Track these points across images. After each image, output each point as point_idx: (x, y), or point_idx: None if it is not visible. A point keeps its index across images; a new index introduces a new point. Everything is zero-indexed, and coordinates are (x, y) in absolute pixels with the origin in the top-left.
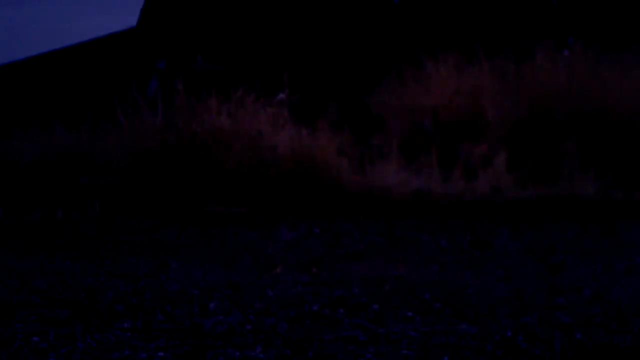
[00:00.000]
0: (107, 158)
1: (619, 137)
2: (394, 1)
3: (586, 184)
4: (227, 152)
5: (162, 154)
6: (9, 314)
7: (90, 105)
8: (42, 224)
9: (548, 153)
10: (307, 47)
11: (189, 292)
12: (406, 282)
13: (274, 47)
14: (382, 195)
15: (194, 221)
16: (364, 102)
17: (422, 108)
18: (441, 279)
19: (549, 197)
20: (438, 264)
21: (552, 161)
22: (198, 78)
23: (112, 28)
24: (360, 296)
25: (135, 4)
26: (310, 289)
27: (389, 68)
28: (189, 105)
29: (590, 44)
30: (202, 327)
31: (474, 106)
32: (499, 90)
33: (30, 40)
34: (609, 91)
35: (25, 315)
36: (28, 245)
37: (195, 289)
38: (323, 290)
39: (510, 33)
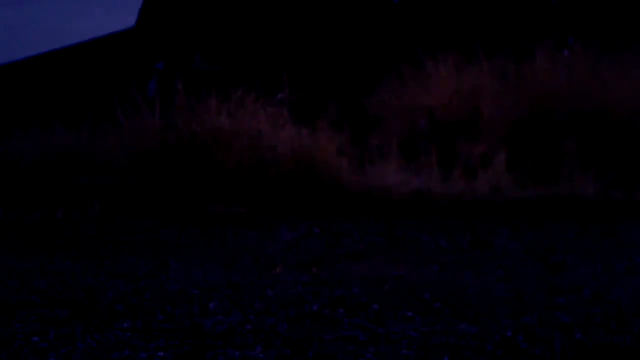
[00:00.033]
0: (107, 158)
1: (619, 137)
2: (394, 1)
3: (586, 184)
4: (227, 152)
5: (162, 154)
6: (9, 314)
7: (90, 105)
8: (42, 224)
9: (548, 153)
10: (307, 47)
11: (189, 292)
12: (406, 282)
13: (274, 47)
14: (382, 195)
15: (194, 221)
16: (360, 102)
17: (422, 108)
18: (441, 279)
19: (549, 197)
20: (438, 264)
21: (552, 161)
22: (197, 78)
23: (112, 28)
24: (360, 296)
25: (135, 4)
26: (310, 289)
27: (389, 68)
28: (189, 105)
29: (590, 44)
30: (202, 327)
31: (473, 106)
32: (499, 90)
33: (30, 40)
34: (609, 91)
35: (25, 315)
36: (28, 245)
37: (195, 289)
38: (323, 290)
39: (510, 33)
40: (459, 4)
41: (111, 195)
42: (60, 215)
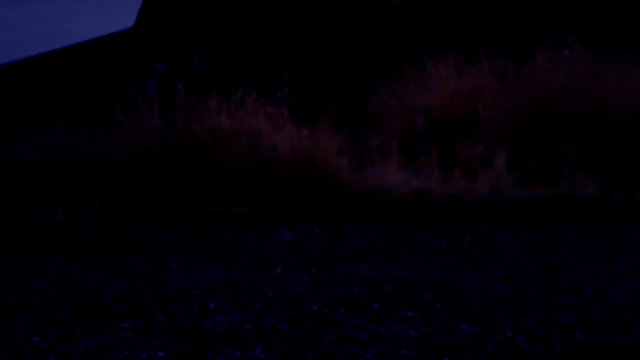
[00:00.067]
0: (107, 158)
1: (619, 137)
2: (394, 1)
3: (586, 184)
4: (227, 152)
5: (162, 154)
6: (9, 314)
7: (90, 105)
8: (42, 224)
9: (548, 153)
10: (307, 47)
11: (189, 292)
12: (406, 282)
13: (274, 47)
14: (382, 195)
15: (194, 221)
16: (360, 102)
17: (422, 108)
18: (441, 279)
19: (549, 197)
20: (438, 264)
21: (552, 161)
22: (197, 78)
23: (112, 28)
24: (360, 296)
25: (135, 4)
26: (310, 289)
27: (389, 68)
28: (189, 105)
29: (590, 44)
30: (202, 327)
31: (473, 106)
32: (499, 90)
33: (30, 40)
34: (609, 91)
35: (25, 315)
36: (28, 245)
37: (195, 289)
38: (323, 290)
39: (510, 33)
40: (459, 4)
41: (111, 195)
42: (60, 215)
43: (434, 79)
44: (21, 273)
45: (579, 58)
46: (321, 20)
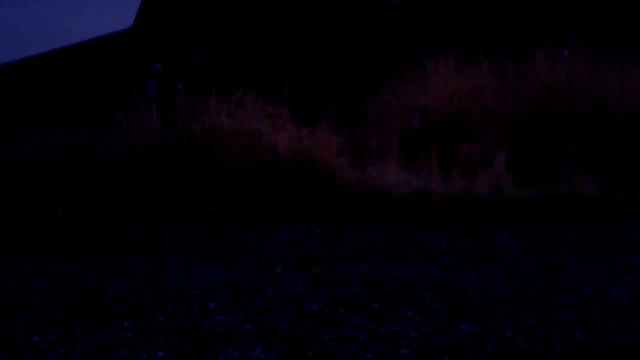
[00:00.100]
0: (107, 158)
1: (619, 137)
2: (394, 1)
3: (586, 184)
4: (227, 152)
5: (162, 154)
6: (9, 314)
7: (90, 105)
8: (42, 224)
9: (548, 153)
10: (307, 47)
11: (189, 292)
12: (406, 282)
13: (274, 47)
14: (382, 195)
15: (194, 221)
16: (360, 102)
17: (422, 108)
18: (441, 279)
19: (549, 197)
20: (438, 264)
21: (552, 161)
22: (197, 78)
23: (112, 28)
24: (360, 296)
25: (135, 4)
26: (310, 289)
27: (389, 68)
28: (189, 105)
29: (590, 44)
30: (202, 327)
31: (473, 106)
32: (499, 90)
33: (30, 40)
34: (609, 91)
35: (25, 315)
36: (28, 245)
37: (195, 289)
38: (323, 290)
39: (510, 33)
40: (459, 4)
41: (111, 195)
42: (60, 215)
43: (434, 79)
44: (21, 273)
45: (579, 58)
46: (321, 20)
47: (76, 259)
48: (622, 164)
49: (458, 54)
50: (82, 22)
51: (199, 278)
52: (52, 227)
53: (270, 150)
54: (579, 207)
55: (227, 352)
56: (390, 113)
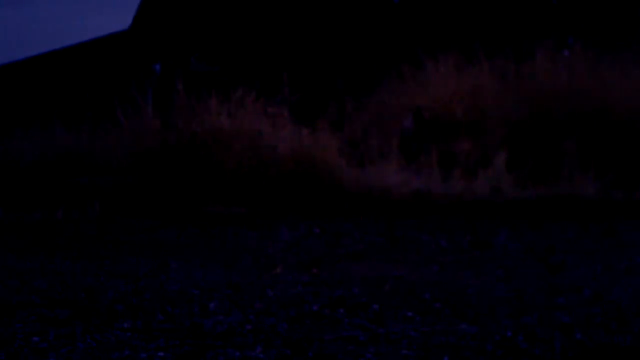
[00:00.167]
0: (107, 158)
1: (619, 137)
2: (394, 1)
3: (586, 184)
4: (227, 152)
5: (162, 154)
6: (9, 314)
7: (90, 105)
8: (42, 224)
9: (548, 153)
10: (307, 48)
11: (189, 292)
12: (406, 282)
13: (274, 47)
14: (382, 195)
15: (194, 221)
16: (356, 101)
17: (422, 108)
18: (441, 279)
19: (549, 197)
20: (438, 264)
21: (552, 161)
22: (196, 79)
23: (112, 28)
24: (360, 296)
25: (135, 4)
26: (310, 289)
27: (389, 68)
28: (188, 105)
29: (590, 44)
30: (202, 327)
31: (473, 106)
32: (499, 90)
33: (30, 40)
34: (609, 91)
35: (25, 315)
36: (28, 245)
37: (195, 289)
38: (323, 290)
39: (510, 33)
40: (459, 4)
41: (111, 195)
42: (60, 215)
43: (434, 79)
44: (21, 273)
45: (579, 58)
46: (321, 20)
47: (76, 259)
48: (622, 164)
49: (458, 54)
50: (82, 22)
51: (199, 278)
52: (52, 227)
53: (270, 150)
54: (579, 207)
55: (227, 352)
56: (390, 113)
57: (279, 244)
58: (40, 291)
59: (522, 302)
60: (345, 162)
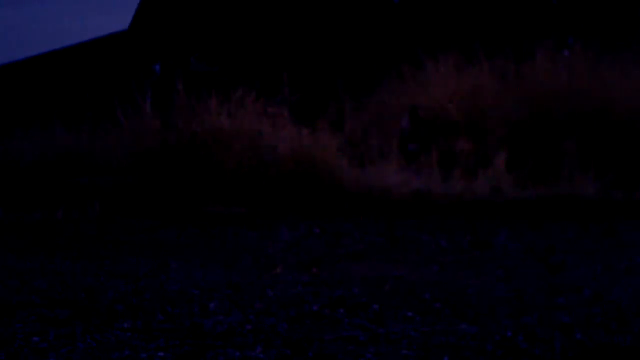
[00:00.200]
0: (107, 158)
1: (619, 137)
2: (394, 1)
3: (586, 184)
4: (227, 152)
5: (162, 154)
6: (9, 314)
7: (90, 105)
8: (42, 224)
9: (548, 153)
10: (307, 48)
11: (189, 292)
12: (406, 282)
13: (274, 47)
14: (382, 195)
15: (194, 221)
16: (356, 101)
17: (422, 108)
18: (441, 279)
19: (549, 197)
20: (438, 264)
21: (552, 161)
22: (195, 79)
23: (112, 28)
24: (360, 296)
25: (135, 4)
26: (310, 289)
27: (389, 68)
28: (188, 105)
29: (590, 44)
30: (202, 327)
31: (473, 106)
32: (499, 90)
33: (30, 40)
34: (609, 91)
35: (25, 315)
36: (28, 245)
37: (195, 289)
38: (323, 290)
39: (510, 33)
40: (459, 4)
41: (111, 195)
42: (60, 215)
43: (434, 79)
44: (21, 273)
45: (579, 58)
46: (321, 20)
47: (76, 259)
48: (622, 164)
49: (458, 54)
50: (82, 22)
51: (199, 278)
52: (52, 227)
53: (270, 150)
54: (579, 207)
55: (227, 352)
56: (391, 113)
57: (279, 244)
58: (40, 291)
59: (522, 302)
60: (345, 162)
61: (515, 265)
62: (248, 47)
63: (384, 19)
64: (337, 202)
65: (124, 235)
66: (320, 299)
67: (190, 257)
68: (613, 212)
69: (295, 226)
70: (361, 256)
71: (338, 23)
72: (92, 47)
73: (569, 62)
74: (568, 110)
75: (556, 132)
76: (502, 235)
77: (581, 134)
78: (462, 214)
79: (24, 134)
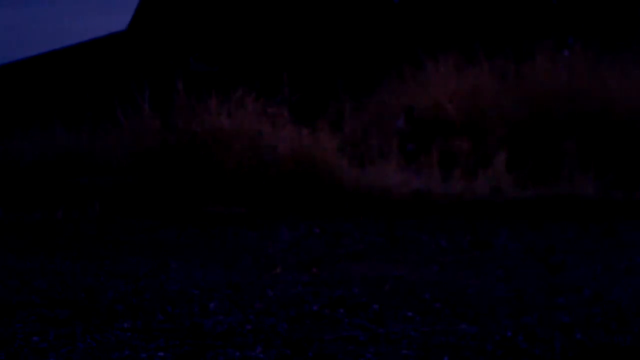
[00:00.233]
0: (107, 158)
1: (619, 137)
2: (394, 1)
3: (586, 184)
4: (227, 152)
5: (162, 154)
6: (9, 314)
7: (90, 105)
8: (42, 224)
9: (548, 153)
10: (307, 48)
11: (189, 292)
12: (406, 282)
13: (274, 47)
14: (382, 195)
15: (194, 221)
16: (356, 101)
17: (422, 108)
18: (441, 279)
19: (549, 197)
20: (438, 264)
21: (552, 161)
22: (195, 79)
23: (112, 28)
24: (360, 296)
25: (135, 4)
26: (310, 289)
27: (389, 68)
28: (188, 105)
29: (590, 44)
30: (202, 327)
31: (473, 106)
32: (499, 90)
33: (30, 40)
34: (609, 91)
35: (25, 315)
36: (28, 245)
37: (195, 289)
38: (323, 290)
39: (510, 33)
40: (459, 4)
41: (111, 195)
42: (60, 215)
43: (434, 79)
44: (21, 273)
45: (579, 58)
46: (321, 20)
47: (76, 259)
48: (622, 164)
49: (458, 54)
50: (82, 22)
51: (199, 278)
52: (52, 227)
53: (270, 150)
54: (579, 207)
55: (227, 352)
56: (391, 113)
57: (279, 244)
58: (40, 291)
59: (522, 302)
60: (345, 162)
61: (515, 265)
62: (248, 47)
63: (384, 19)
64: (337, 202)
65: (124, 235)
66: (320, 299)
67: (190, 257)
68: (613, 212)
69: (295, 226)
70: (361, 256)
71: (338, 23)
72: (92, 47)
73: (569, 62)
74: (568, 110)
75: (556, 132)
76: (502, 235)
77: (581, 134)
78: (462, 214)
79: (24, 134)
